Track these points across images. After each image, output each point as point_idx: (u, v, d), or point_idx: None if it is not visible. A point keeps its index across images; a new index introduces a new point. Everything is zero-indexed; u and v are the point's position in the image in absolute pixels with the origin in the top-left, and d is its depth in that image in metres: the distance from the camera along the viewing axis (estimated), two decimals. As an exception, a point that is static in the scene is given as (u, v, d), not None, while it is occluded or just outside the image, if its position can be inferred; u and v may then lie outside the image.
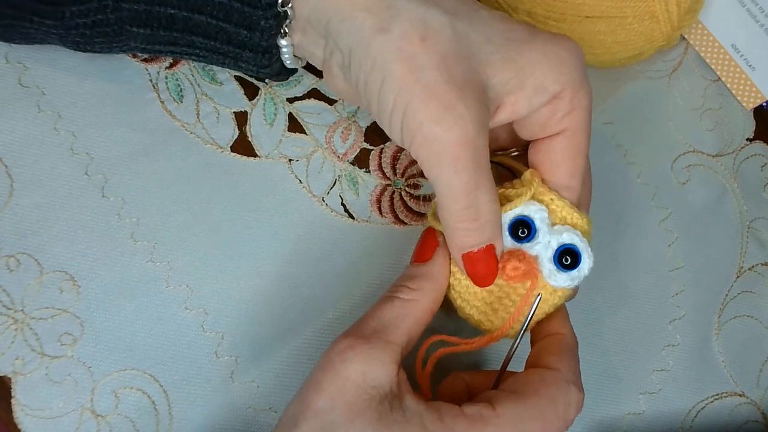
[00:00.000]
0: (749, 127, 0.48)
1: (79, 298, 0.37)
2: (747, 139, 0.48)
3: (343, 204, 0.41)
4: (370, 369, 0.29)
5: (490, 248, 0.32)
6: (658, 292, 0.45)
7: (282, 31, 0.32)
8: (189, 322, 0.38)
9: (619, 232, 0.45)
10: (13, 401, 0.35)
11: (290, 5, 0.31)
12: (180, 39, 0.32)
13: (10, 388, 0.35)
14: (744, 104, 0.48)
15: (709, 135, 0.47)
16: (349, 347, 0.30)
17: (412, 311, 0.32)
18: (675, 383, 0.44)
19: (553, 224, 0.33)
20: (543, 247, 0.33)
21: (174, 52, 0.34)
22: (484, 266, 0.33)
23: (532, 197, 0.33)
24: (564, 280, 0.33)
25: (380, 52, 0.28)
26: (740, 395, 0.45)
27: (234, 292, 0.38)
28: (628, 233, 0.45)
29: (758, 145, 0.48)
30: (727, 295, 0.46)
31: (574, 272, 0.33)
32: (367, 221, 0.41)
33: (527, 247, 0.33)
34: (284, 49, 0.33)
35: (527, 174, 0.33)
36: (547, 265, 0.33)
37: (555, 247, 0.33)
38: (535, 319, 0.34)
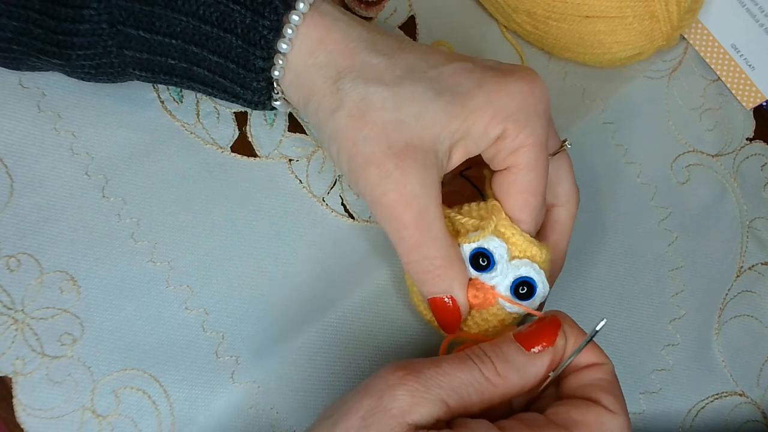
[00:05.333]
0: (749, 126, 0.48)
1: (79, 298, 0.37)
2: (747, 139, 0.48)
3: (343, 204, 0.41)
4: (415, 412, 0.29)
5: (450, 300, 0.34)
6: (658, 291, 0.45)
7: (273, 89, 0.34)
8: (189, 322, 0.38)
9: (619, 231, 0.45)
10: (14, 401, 0.35)
11: (276, 81, 0.33)
12: (180, 83, 0.35)
13: (11, 389, 0.35)
14: (744, 104, 0.48)
15: (708, 135, 0.47)
16: (403, 385, 0.29)
17: (485, 391, 0.30)
18: (675, 383, 0.44)
19: (513, 257, 0.34)
20: (501, 278, 0.34)
21: (175, 87, 0.37)
22: (442, 314, 0.34)
23: (493, 231, 0.34)
24: (518, 308, 0.35)
25: (333, 129, 0.32)
26: (740, 395, 0.45)
27: (234, 292, 0.38)
28: (627, 233, 0.45)
29: (758, 144, 0.48)
30: (727, 294, 0.46)
31: (528, 302, 0.35)
32: (367, 221, 0.41)
33: (486, 278, 0.34)
34: (275, 103, 0.35)
35: (490, 206, 0.34)
36: (504, 294, 0.34)
37: (512, 280, 0.34)
38: (489, 332, 0.35)
